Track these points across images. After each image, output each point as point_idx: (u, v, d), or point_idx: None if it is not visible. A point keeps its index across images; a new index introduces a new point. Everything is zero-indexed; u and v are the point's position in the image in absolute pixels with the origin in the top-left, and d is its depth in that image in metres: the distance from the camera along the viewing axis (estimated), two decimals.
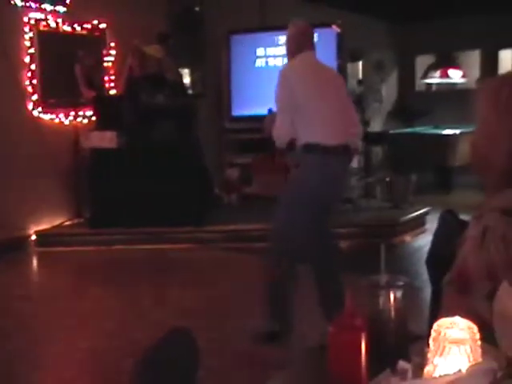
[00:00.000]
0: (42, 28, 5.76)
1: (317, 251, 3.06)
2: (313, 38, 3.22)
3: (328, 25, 6.68)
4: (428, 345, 1.01)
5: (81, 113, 6.13)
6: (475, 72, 9.80)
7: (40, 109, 5.77)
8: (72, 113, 6.06)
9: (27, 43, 5.65)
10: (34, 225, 5.70)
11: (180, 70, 6.66)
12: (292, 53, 3.13)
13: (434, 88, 10.79)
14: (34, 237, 5.67)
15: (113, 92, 6.43)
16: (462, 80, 9.87)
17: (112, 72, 6.45)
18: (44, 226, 5.77)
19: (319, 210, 2.96)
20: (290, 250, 2.99)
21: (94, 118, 6.05)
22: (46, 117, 5.84)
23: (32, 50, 5.68)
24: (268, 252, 3.08)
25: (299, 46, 3.12)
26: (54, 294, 4.33)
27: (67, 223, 5.98)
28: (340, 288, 2.99)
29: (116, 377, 2.82)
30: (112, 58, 6.42)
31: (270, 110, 3.23)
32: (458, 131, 7.58)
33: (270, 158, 6.22)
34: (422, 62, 10.54)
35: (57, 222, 5.91)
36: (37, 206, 5.71)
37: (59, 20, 5.91)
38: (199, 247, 5.43)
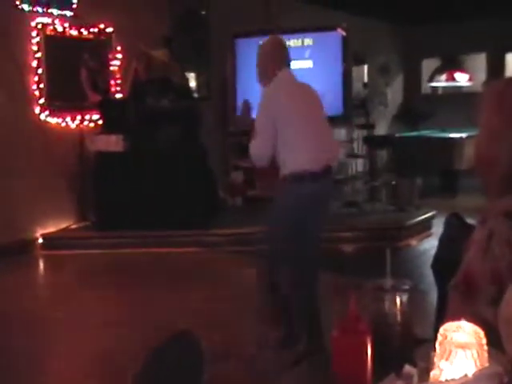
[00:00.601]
0: (48, 32, 5.79)
1: (295, 256, 3.01)
2: (288, 52, 3.05)
3: (333, 28, 6.69)
4: (434, 349, 1.01)
5: (87, 116, 6.15)
6: (482, 75, 9.77)
7: (47, 112, 5.80)
8: (78, 116, 6.09)
9: (34, 47, 5.68)
10: (41, 228, 5.73)
11: (186, 73, 6.68)
12: (269, 72, 2.93)
13: (440, 91, 10.77)
14: (40, 240, 5.69)
15: (118, 95, 6.46)
16: (469, 83, 9.85)
17: (118, 75, 6.48)
18: (50, 229, 5.79)
19: (302, 225, 2.90)
20: (280, 250, 2.95)
21: (100, 122, 6.08)
22: (53, 120, 5.87)
23: (39, 55, 5.71)
24: (263, 254, 3.05)
25: (277, 64, 2.94)
26: (60, 297, 4.34)
27: (73, 226, 6.00)
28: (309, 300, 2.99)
29: (123, 379, 2.82)
30: (118, 62, 6.45)
31: (245, 100, 3.12)
32: (464, 134, 7.56)
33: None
34: (428, 65, 10.52)
35: (63, 225, 5.93)
36: (43, 209, 5.73)
37: (66, 24, 5.95)
38: (204, 250, 5.43)
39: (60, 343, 3.52)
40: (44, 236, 5.71)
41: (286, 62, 3.01)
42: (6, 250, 5.22)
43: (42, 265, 5.51)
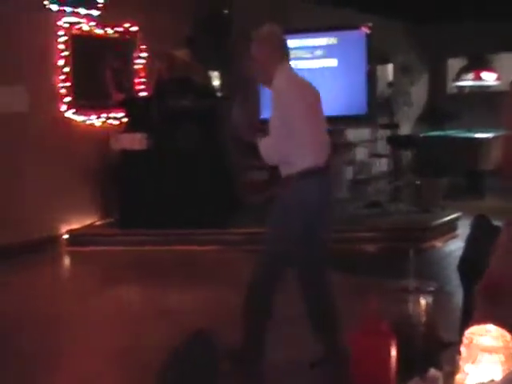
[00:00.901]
0: (75, 31, 5.87)
1: (303, 259, 2.94)
2: (286, 43, 2.89)
3: (357, 27, 6.64)
4: (459, 352, 0.99)
5: (112, 114, 6.22)
6: (510, 75, 9.59)
7: (73, 110, 5.87)
8: (103, 114, 6.16)
9: (61, 46, 5.77)
10: (66, 224, 5.81)
11: (210, 72, 6.70)
12: (271, 68, 2.81)
13: (466, 91, 10.61)
14: (65, 236, 5.78)
15: (143, 94, 6.51)
16: (496, 83, 9.67)
17: (142, 74, 6.53)
18: (75, 225, 5.87)
19: (310, 225, 2.85)
20: (283, 252, 2.87)
21: (124, 120, 6.14)
22: (79, 118, 5.95)
23: (66, 53, 5.79)
24: (262, 255, 2.95)
25: (280, 55, 2.83)
26: (83, 293, 4.40)
27: (97, 223, 6.07)
28: (327, 303, 2.92)
29: (143, 375, 2.84)
30: (142, 61, 6.51)
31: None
32: (490, 135, 7.44)
33: None
34: (454, 64, 10.37)
35: (87, 221, 6.01)
36: (68, 206, 5.82)
37: (92, 23, 6.02)
38: (225, 249, 5.44)
39: (82, 338, 3.56)
40: (69, 232, 5.79)
41: (286, 55, 2.88)
42: (31, 245, 5.32)
43: (66, 261, 5.59)
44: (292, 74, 2.89)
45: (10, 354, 3.27)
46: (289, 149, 2.78)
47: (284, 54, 2.88)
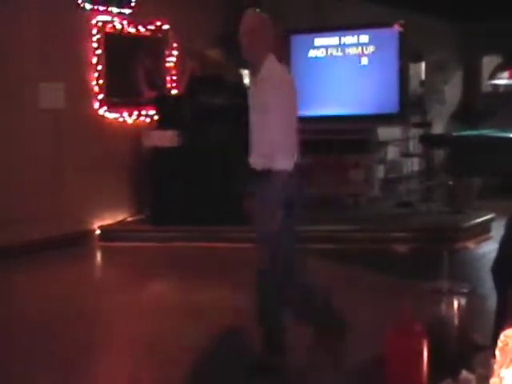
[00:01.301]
0: (108, 30, 5.96)
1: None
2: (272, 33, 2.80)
3: (390, 24, 6.57)
4: (494, 356, 0.97)
5: (143, 112, 6.30)
6: None
7: (105, 108, 5.96)
8: (135, 112, 6.24)
9: (94, 45, 5.86)
10: (98, 220, 5.91)
11: (241, 70, 6.72)
12: (262, 52, 2.71)
13: (501, 89, 10.38)
14: (98, 231, 5.87)
15: (174, 92, 6.57)
16: None
17: (174, 72, 6.59)
18: (107, 221, 5.97)
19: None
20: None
21: (156, 117, 6.21)
22: (111, 116, 6.04)
23: (99, 51, 5.88)
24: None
25: (270, 44, 2.74)
26: (113, 289, 4.46)
27: (129, 219, 6.16)
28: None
29: (173, 368, 2.87)
30: (174, 59, 6.56)
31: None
32: None
33: (325, 159, 6.22)
34: (490, 62, 10.16)
35: (119, 217, 6.10)
36: (100, 202, 5.92)
37: (124, 22, 6.10)
38: (253, 247, 5.44)
39: (113, 332, 3.61)
40: (101, 228, 5.89)
41: (272, 46, 2.78)
42: (65, 240, 5.43)
43: (97, 256, 5.68)
44: (278, 63, 2.82)
45: (42, 347, 3.34)
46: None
47: (271, 42, 2.78)
